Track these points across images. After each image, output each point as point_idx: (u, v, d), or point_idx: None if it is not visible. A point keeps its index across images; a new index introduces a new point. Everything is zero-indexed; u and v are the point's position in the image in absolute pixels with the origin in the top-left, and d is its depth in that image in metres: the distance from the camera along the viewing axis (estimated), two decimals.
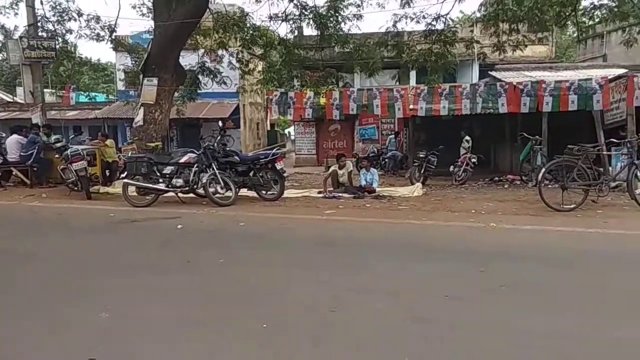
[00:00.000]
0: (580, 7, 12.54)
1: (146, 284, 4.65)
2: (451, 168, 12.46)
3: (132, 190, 9.49)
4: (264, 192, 9.66)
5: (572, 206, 7.85)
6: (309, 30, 16.79)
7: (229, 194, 9.04)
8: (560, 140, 9.66)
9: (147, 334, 3.52)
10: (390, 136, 18.45)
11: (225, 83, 18.00)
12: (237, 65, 17.47)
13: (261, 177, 9.61)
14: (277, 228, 7.23)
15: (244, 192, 9.79)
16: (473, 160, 12.47)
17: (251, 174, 9.64)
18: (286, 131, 34.03)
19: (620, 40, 13.64)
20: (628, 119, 10.32)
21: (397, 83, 17.37)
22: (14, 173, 12.32)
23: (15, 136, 12.39)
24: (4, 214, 9.18)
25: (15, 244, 6.50)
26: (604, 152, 9.49)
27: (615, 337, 3.30)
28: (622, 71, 12.29)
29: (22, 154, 12.03)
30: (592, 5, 12.38)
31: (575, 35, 16.81)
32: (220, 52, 16.69)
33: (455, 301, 4.04)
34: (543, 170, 8.30)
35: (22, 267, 5.32)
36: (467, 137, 13.33)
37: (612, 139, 8.97)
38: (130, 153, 11.14)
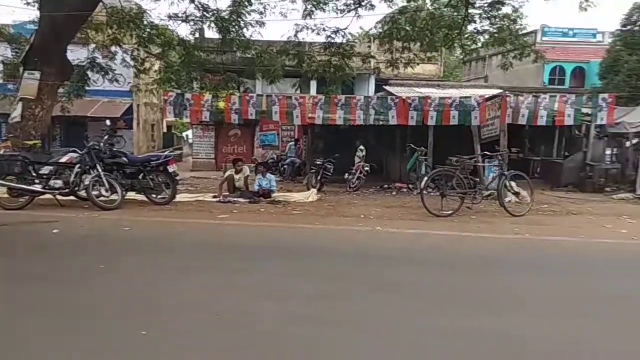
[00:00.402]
0: (467, 31, 13.67)
1: (14, 292, 4.25)
2: (346, 175, 12.90)
3: (2, 192, 8.62)
4: (154, 195, 9.27)
5: (450, 212, 8.51)
6: (211, 33, 16.49)
7: (114, 197, 8.56)
8: (444, 152, 10.43)
9: (15, 346, 3.23)
10: (290, 143, 18.64)
11: (117, 81, 16.96)
12: (132, 63, 16.62)
13: (151, 180, 9.21)
14: (166, 233, 6.99)
15: (132, 195, 9.34)
16: (366, 168, 13.03)
17: (140, 176, 9.21)
18: (184, 134, 32.97)
19: (498, 64, 15.07)
20: (501, 135, 11.42)
21: (299, 91, 17.62)
22: None
23: None
24: None
25: None
26: (480, 164, 10.39)
27: (493, 329, 3.63)
28: (498, 91, 13.57)
29: None
30: (475, 30, 13.57)
31: (461, 56, 18.22)
32: (113, 48, 15.77)
33: (343, 301, 4.20)
34: (425, 179, 8.91)
35: None
36: (362, 147, 13.90)
37: (485, 152, 9.86)
38: (2, 151, 10.11)
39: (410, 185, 12.63)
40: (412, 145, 12.80)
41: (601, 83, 25.22)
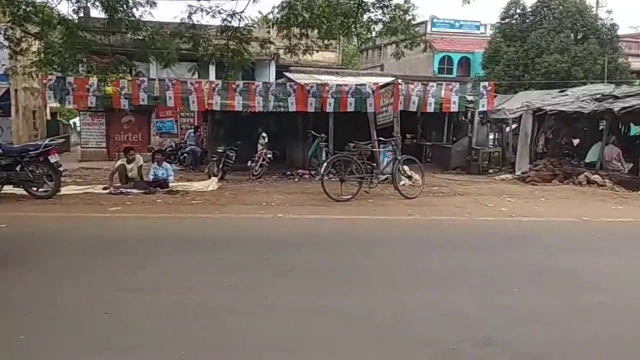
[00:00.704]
0: (362, 20, 14.00)
1: None
2: (249, 163, 12.75)
3: None
4: (34, 188, 8.47)
5: (349, 197, 8.77)
6: (97, 12, 15.30)
7: None
8: (344, 138, 10.69)
9: None
10: (190, 130, 18.00)
11: None
12: (6, 43, 14.93)
13: (31, 172, 8.39)
14: (48, 228, 6.44)
15: (9, 189, 8.47)
16: (269, 155, 12.96)
17: (18, 168, 8.35)
18: (71, 122, 30.47)
19: (391, 53, 15.69)
20: (394, 121, 11.94)
21: (196, 76, 17.00)
22: None
23: None
24: None
25: None
26: (376, 149, 10.79)
27: (397, 307, 3.78)
28: (392, 79, 14.14)
29: None
30: (370, 20, 13.95)
31: (358, 45, 18.71)
32: None
33: (248, 289, 4.15)
34: (325, 164, 9.08)
35: None
36: (264, 134, 13.80)
37: (380, 138, 10.25)
38: None
39: (312, 172, 12.80)
40: (313, 132, 12.96)
41: (484, 72, 27.37)
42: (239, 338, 3.26)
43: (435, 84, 12.96)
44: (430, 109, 12.58)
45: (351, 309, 3.75)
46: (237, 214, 7.62)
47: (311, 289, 4.23)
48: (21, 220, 6.83)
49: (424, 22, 31.07)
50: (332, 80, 14.30)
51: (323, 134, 12.67)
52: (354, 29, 14.38)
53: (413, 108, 12.51)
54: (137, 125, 21.03)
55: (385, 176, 10.22)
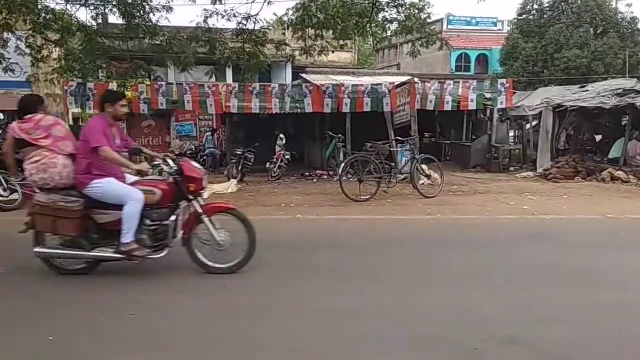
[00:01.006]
0: (377, 19, 13.97)
1: None
2: (267, 164, 12.84)
3: None
4: None
5: (368, 197, 8.77)
6: (115, 18, 15.58)
7: (14, 196, 7.93)
8: (362, 138, 10.69)
9: None
10: (207, 133, 18.19)
11: (12, 70, 15.49)
12: (27, 51, 15.29)
13: None
14: None
15: None
16: (287, 157, 13.04)
17: None
18: None
19: (407, 52, 15.62)
20: (411, 120, 11.90)
21: (214, 79, 17.15)
22: None
23: None
24: None
25: None
26: (393, 149, 10.76)
27: (416, 306, 3.78)
28: (408, 78, 14.08)
29: None
30: (385, 19, 13.92)
31: (373, 44, 18.67)
32: (5, 35, 14.39)
33: (266, 290, 4.21)
34: (342, 165, 9.10)
35: None
36: (282, 135, 13.88)
37: (398, 137, 10.22)
38: None
39: (330, 172, 12.84)
40: (330, 133, 12.99)
41: (502, 69, 27.04)
42: (266, 338, 3.30)
43: (452, 81, 12.88)
44: (448, 107, 12.50)
45: (372, 308, 3.77)
46: (257, 215, 7.61)
47: (331, 288, 4.25)
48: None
49: (440, 20, 30.84)
50: (348, 80, 14.32)
51: (340, 135, 12.69)
52: (369, 29, 14.36)
53: (430, 107, 12.45)
54: (157, 129, 21.31)
55: (404, 175, 10.19)
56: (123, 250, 4.34)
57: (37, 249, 4.43)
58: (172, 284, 4.39)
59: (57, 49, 17.30)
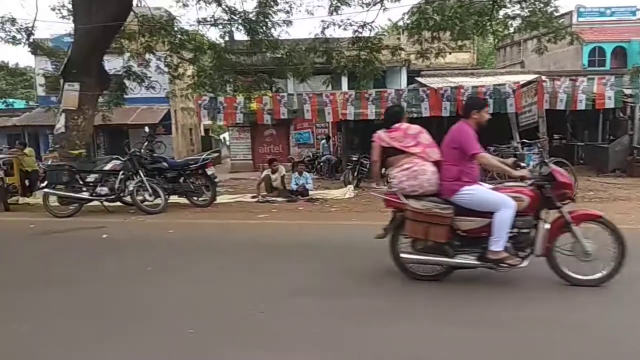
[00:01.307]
0: (498, 17, 13.35)
1: (67, 295, 4.47)
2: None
3: (53, 200, 9.04)
4: (195, 198, 9.50)
5: None
6: (240, 35, 16.76)
7: (157, 201, 8.81)
8: (484, 141, 10.22)
9: (66, 346, 3.41)
10: (322, 141, 18.72)
11: (153, 88, 17.41)
12: (166, 69, 17.05)
13: (191, 183, 9.45)
14: (209, 233, 7.16)
15: (174, 199, 9.60)
16: None
17: (181, 180, 9.45)
18: (221, 137, 33.55)
19: (532, 48, 14.66)
20: (539, 121, 11.12)
21: (330, 88, 17.61)
22: None
23: None
24: None
25: None
26: (519, 152, 10.16)
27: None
28: (534, 77, 13.20)
29: None
30: (507, 16, 13.23)
31: (494, 43, 17.83)
32: (147, 56, 16.21)
33: (393, 292, 4.21)
34: None
35: None
36: None
37: (524, 140, 9.62)
38: (51, 161, 10.57)
39: None
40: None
41: None
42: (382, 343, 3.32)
43: (585, 78, 11.79)
44: (581, 106, 11.45)
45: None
46: (374, 221, 7.66)
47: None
48: (186, 226, 7.71)
49: (569, 13, 28.44)
50: (467, 82, 13.82)
51: None
52: (489, 27, 13.78)
53: (561, 106, 11.51)
54: (278, 138, 22.46)
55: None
56: (492, 258, 4.23)
57: (405, 255, 4.51)
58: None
59: (191, 66, 19.08)
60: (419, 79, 16.39)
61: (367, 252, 5.71)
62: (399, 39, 16.54)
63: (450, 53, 14.43)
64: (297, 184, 10.72)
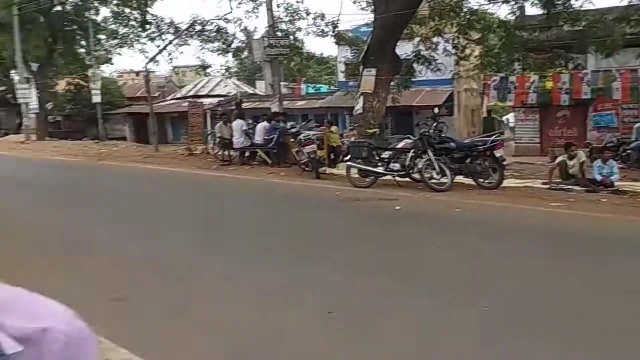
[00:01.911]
0: None
1: (367, 256, 5.11)
2: None
3: (354, 173, 10.27)
4: (481, 180, 9.38)
5: None
6: (533, 10, 15.58)
7: (444, 180, 9.06)
8: None
9: (371, 297, 3.94)
10: (637, 125, 15.84)
11: (439, 70, 17.83)
12: (453, 51, 17.20)
13: (478, 165, 9.37)
14: (496, 216, 7.05)
15: (459, 179, 9.70)
16: None
17: (468, 161, 9.46)
18: (504, 118, 32.07)
19: None
20: None
21: None
22: (259, 154, 14.42)
23: (263, 123, 14.41)
24: (254, 188, 10.83)
25: (269, 212, 7.73)
26: None
27: None
28: None
29: (265, 138, 13.99)
30: None
31: None
32: (435, 39, 16.64)
33: None
34: None
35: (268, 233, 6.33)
36: None
37: None
38: (352, 139, 12.03)
39: None
40: None
41: None
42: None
43: None
44: None
45: None
46: None
47: None
48: (473, 207, 7.72)
49: None
50: None
51: None
52: None
53: None
54: (572, 120, 20.14)
55: None
56: None
57: None
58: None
59: (478, 47, 18.77)
60: None
61: None
62: None
63: None
64: (601, 174, 9.45)
